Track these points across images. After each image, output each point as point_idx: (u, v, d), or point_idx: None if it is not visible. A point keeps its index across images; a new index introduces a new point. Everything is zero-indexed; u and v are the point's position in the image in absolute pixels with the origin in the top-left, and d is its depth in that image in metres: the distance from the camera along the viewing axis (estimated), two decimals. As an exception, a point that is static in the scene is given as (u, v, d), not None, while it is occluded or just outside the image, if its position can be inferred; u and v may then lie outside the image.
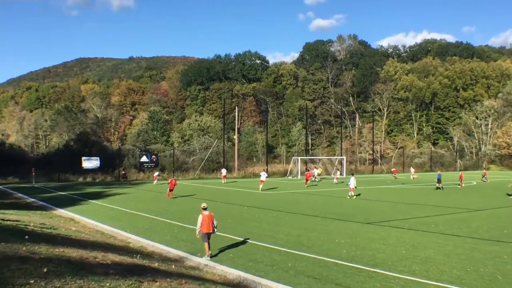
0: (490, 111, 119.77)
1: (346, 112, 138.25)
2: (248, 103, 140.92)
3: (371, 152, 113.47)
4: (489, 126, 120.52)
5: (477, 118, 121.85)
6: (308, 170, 65.52)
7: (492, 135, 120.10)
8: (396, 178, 72.20)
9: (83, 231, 21.83)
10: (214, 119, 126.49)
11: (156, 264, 14.10)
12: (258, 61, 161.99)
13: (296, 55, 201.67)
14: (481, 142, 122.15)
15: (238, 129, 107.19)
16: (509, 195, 42.45)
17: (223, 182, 63.60)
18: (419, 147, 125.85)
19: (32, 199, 39.53)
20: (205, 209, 17.30)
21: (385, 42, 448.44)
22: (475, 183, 63.49)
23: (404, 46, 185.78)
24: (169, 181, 43.95)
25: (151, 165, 73.49)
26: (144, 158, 74.90)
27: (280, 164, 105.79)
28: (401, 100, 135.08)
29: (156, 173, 63.08)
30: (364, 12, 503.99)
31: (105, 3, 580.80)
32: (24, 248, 12.06)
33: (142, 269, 12.43)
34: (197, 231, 17.49)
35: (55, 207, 33.05)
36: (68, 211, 31.10)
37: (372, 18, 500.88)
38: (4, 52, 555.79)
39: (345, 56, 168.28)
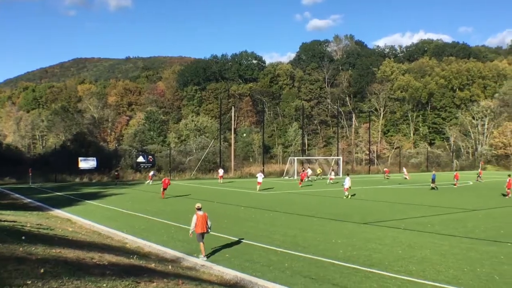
0: (486, 111, 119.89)
1: (342, 112, 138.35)
2: (244, 103, 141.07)
3: (367, 152, 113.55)
4: (486, 126, 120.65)
5: (473, 118, 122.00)
6: (304, 170, 65.52)
7: (488, 135, 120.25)
8: (388, 178, 72.32)
9: (79, 232, 21.83)
10: (210, 119, 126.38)
11: (153, 265, 14.12)
12: (254, 61, 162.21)
13: (292, 55, 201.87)
14: (477, 142, 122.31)
15: (235, 129, 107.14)
16: (504, 195, 42.56)
17: (220, 182, 63.72)
18: (416, 147, 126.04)
19: (29, 200, 39.49)
20: (199, 209, 17.33)
21: (381, 42, 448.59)
22: (471, 183, 63.62)
23: (400, 46, 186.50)
24: (162, 180, 44.09)
25: (147, 166, 73.41)
26: (140, 159, 74.80)
27: (277, 164, 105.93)
28: (398, 100, 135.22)
29: (151, 173, 63.06)
30: (360, 12, 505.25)
31: (103, 3, 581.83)
32: (21, 249, 12.08)
33: (139, 270, 12.45)
34: (190, 231, 17.57)
35: (52, 208, 33.02)
36: (65, 211, 31.08)
37: (369, 18, 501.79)
38: (1, 52, 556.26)
39: (341, 56, 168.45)
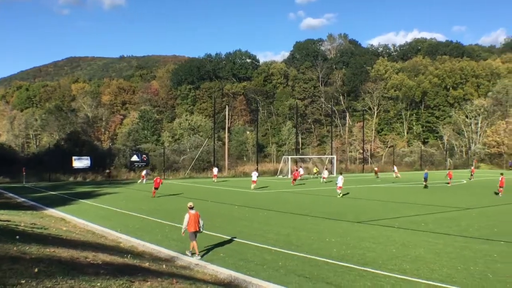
0: (480, 110, 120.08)
1: (336, 111, 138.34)
2: (238, 102, 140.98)
3: (361, 151, 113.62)
4: (479, 125, 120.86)
5: (467, 117, 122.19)
6: (297, 170, 65.56)
7: (481, 134, 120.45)
8: (378, 177, 72.43)
9: (73, 231, 21.82)
10: (204, 118, 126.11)
11: (147, 264, 14.13)
12: (248, 60, 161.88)
13: (286, 54, 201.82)
14: (471, 141, 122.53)
15: (229, 128, 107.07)
16: (497, 193, 42.70)
17: (214, 181, 63.77)
18: (409, 146, 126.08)
19: (23, 199, 39.44)
20: (191, 208, 17.42)
21: (375, 41, 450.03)
22: (464, 181, 63.81)
23: (394, 45, 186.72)
24: (154, 179, 44.11)
25: (141, 164, 73.29)
26: (134, 158, 74.70)
27: (271, 163, 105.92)
28: (391, 99, 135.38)
29: (144, 172, 63.00)
30: (354, 11, 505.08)
31: (97, 2, 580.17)
32: (15, 248, 12.08)
33: (133, 269, 12.46)
34: (182, 230, 17.72)
35: (46, 207, 32.98)
36: (59, 211, 31.03)
37: (363, 17, 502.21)
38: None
39: (335, 55, 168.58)
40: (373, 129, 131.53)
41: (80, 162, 69.38)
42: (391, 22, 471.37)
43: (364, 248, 18.68)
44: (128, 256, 15.05)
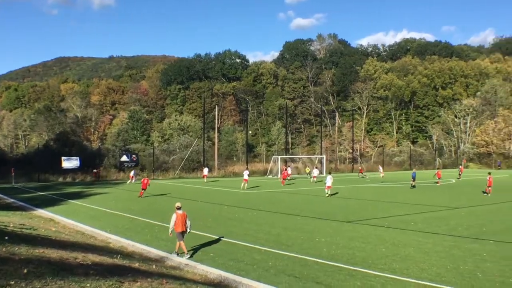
0: (468, 109, 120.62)
1: (326, 111, 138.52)
2: (228, 102, 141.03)
3: (351, 151, 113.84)
4: (468, 124, 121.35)
5: (456, 116, 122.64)
6: (286, 169, 65.57)
7: (470, 134, 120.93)
8: (363, 177, 72.60)
9: (63, 232, 21.74)
10: (194, 118, 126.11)
11: (136, 264, 14.10)
12: (238, 60, 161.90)
13: (276, 54, 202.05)
14: (459, 140, 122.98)
15: (218, 128, 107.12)
16: (485, 192, 42.88)
17: (204, 181, 63.78)
18: (399, 146, 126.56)
19: (12, 200, 39.26)
20: (179, 208, 17.45)
21: (364, 41, 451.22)
22: (453, 181, 64.03)
23: (383, 45, 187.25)
24: (142, 180, 44.12)
25: (131, 165, 73.09)
26: (124, 158, 74.52)
27: (260, 163, 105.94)
28: (381, 99, 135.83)
29: (132, 172, 62.89)
30: (344, 11, 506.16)
31: (86, 2, 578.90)
32: (4, 249, 12.02)
33: (123, 269, 12.43)
34: (170, 230, 17.73)
35: (35, 208, 32.83)
36: (48, 211, 30.91)
37: (352, 17, 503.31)
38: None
39: (325, 55, 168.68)
40: (363, 129, 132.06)
41: (69, 163, 69.12)
42: (381, 22, 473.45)
43: (354, 247, 18.70)
44: (118, 257, 15.01)
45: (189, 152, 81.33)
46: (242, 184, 50.76)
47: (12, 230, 18.66)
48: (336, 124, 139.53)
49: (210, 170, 73.12)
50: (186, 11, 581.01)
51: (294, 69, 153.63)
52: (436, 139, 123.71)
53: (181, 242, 17.13)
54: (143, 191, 41.59)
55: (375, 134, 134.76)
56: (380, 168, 78.07)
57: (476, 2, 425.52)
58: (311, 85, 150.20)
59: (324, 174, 72.99)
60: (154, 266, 14.51)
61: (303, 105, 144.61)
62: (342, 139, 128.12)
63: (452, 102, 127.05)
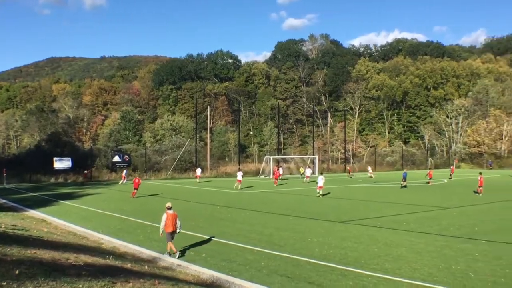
0: (460, 109, 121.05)
1: (318, 111, 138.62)
2: (220, 103, 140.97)
3: (343, 151, 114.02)
4: (460, 124, 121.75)
5: (447, 116, 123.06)
6: (277, 169, 65.56)
7: (462, 134, 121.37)
8: (351, 177, 72.75)
9: (55, 232, 21.69)
10: (186, 118, 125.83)
11: (129, 265, 14.08)
12: (230, 61, 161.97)
13: (268, 54, 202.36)
14: (451, 140, 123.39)
15: (210, 128, 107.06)
16: (476, 192, 43.03)
17: (197, 181, 63.76)
18: (391, 146, 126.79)
19: (3, 200, 39.14)
20: (169, 208, 17.49)
21: (356, 42, 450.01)
22: (445, 181, 64.22)
23: (375, 46, 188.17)
24: (133, 180, 44.13)
25: (123, 165, 72.94)
26: (116, 158, 74.38)
27: (252, 163, 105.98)
28: (373, 99, 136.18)
29: (124, 172, 62.88)
30: (336, 11, 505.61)
31: (78, 2, 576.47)
32: (-5, 250, 12.00)
33: (115, 270, 12.42)
34: (160, 231, 17.72)
35: (27, 208, 32.74)
36: (40, 212, 30.83)
37: (344, 17, 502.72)
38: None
39: (317, 55, 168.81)
40: (355, 129, 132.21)
41: (61, 163, 68.98)
42: (372, 22, 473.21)
43: (346, 247, 18.73)
44: (110, 257, 14.99)
45: (181, 152, 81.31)
46: (236, 185, 50.95)
47: (4, 231, 18.60)
48: (328, 124, 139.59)
49: (202, 171, 73.10)
50: (178, 11, 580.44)
51: (286, 69, 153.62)
52: (428, 139, 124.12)
53: (170, 242, 17.21)
54: (135, 191, 41.57)
55: (367, 134, 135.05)
56: (369, 168, 78.39)
57: (468, 2, 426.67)
58: (303, 85, 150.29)
59: (316, 174, 73.16)
60: (146, 267, 14.50)
61: (295, 105, 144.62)
62: (334, 139, 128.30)
63: (443, 102, 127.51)
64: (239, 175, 53.54)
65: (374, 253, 17.60)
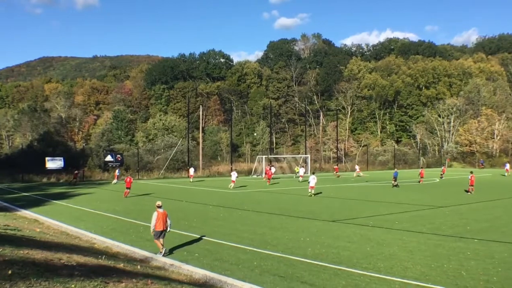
0: (452, 109, 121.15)
1: (310, 111, 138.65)
2: (212, 102, 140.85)
3: (335, 150, 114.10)
4: (451, 124, 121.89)
5: (439, 116, 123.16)
6: (269, 168, 65.53)
7: (454, 133, 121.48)
8: (338, 176, 72.86)
9: (47, 232, 21.66)
10: (178, 118, 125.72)
11: (121, 265, 14.07)
12: (222, 60, 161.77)
13: (260, 54, 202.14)
14: (443, 139, 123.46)
15: (203, 128, 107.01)
16: (467, 191, 43.17)
17: (190, 181, 63.75)
18: (383, 145, 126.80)
19: (-5, 200, 39.08)
20: (159, 207, 17.59)
21: (348, 41, 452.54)
22: (437, 180, 64.35)
23: (367, 45, 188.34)
24: (125, 179, 44.13)
25: (116, 165, 72.78)
26: (109, 158, 74.19)
27: (245, 163, 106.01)
28: (365, 99, 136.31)
29: (117, 171, 62.85)
30: (328, 11, 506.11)
31: (70, 1, 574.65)
32: (-12, 251, 11.98)
33: (108, 270, 12.41)
34: (151, 229, 17.81)
35: (19, 208, 32.68)
36: (32, 212, 30.78)
37: (336, 17, 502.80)
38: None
39: (309, 54, 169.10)
40: (347, 128, 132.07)
41: (53, 163, 68.74)
42: (364, 22, 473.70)
43: (339, 247, 18.77)
44: (103, 257, 14.98)
45: (173, 152, 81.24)
46: (230, 185, 51.09)
47: (-4, 231, 18.56)
48: (321, 124, 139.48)
49: (195, 170, 73.03)
50: (170, 11, 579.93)
51: (278, 69, 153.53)
52: (420, 139, 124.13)
53: (157, 240, 17.35)
54: (128, 190, 41.55)
55: (359, 134, 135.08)
56: (357, 167, 78.66)
57: (460, 2, 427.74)
58: (295, 84, 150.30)
59: (309, 174, 73.21)
60: (139, 267, 14.50)
61: (287, 105, 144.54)
62: (327, 138, 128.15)
63: (435, 101, 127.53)
64: (234, 175, 53.67)
65: (366, 252, 17.65)
